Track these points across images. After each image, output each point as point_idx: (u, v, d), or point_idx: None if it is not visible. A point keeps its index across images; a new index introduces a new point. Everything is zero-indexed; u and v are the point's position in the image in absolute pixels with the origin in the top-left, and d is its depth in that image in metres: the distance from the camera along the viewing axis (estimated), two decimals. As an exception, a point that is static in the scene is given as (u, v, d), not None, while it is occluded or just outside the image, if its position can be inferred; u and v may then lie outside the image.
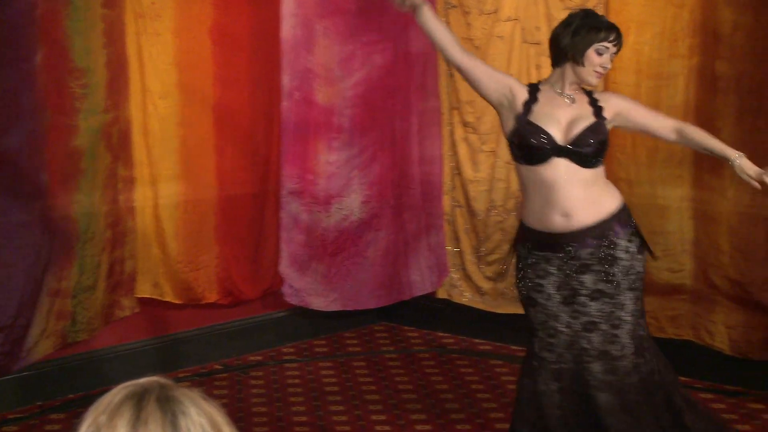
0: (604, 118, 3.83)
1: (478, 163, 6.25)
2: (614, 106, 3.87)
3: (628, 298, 3.78)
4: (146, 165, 5.38)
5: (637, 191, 5.62)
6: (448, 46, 3.85)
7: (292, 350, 6.12)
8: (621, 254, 3.79)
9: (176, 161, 5.49)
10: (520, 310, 6.01)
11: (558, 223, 3.77)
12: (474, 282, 6.32)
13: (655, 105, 5.49)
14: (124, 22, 5.16)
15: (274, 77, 5.86)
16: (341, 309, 6.24)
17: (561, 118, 3.81)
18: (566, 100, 3.84)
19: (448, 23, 6.22)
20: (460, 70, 3.92)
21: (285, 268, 6.01)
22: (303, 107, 5.96)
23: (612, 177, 5.69)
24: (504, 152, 6.11)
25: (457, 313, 6.37)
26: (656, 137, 4.00)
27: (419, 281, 6.45)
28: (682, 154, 5.45)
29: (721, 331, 5.40)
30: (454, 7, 6.19)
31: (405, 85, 6.31)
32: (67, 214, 4.98)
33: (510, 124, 3.85)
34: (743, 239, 5.28)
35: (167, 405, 1.41)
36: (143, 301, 5.48)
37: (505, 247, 6.11)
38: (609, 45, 3.78)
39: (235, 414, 5.02)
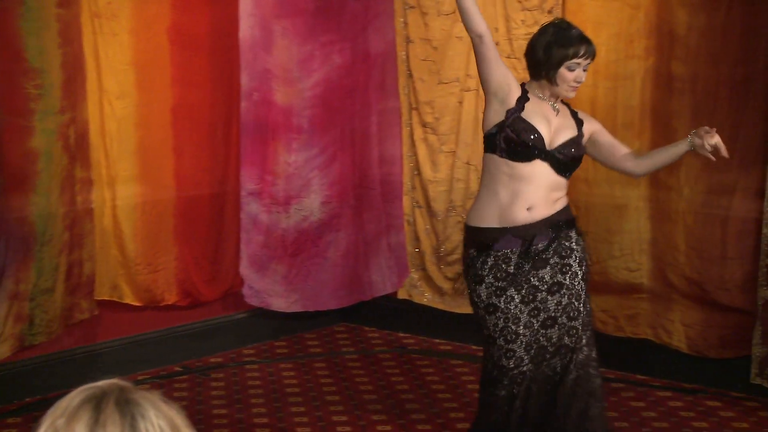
0: (582, 135, 3.93)
1: (438, 164, 6.27)
2: (591, 126, 3.98)
3: (582, 289, 3.90)
4: (104, 166, 5.35)
5: (596, 191, 5.67)
6: (475, 14, 3.78)
7: (252, 352, 6.10)
8: (574, 245, 3.90)
9: (134, 162, 5.46)
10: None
11: (521, 216, 3.84)
12: (434, 282, 6.33)
13: (612, 105, 5.55)
14: (80, 22, 5.11)
15: (233, 78, 5.84)
16: (302, 310, 6.24)
17: (551, 122, 3.87)
18: (551, 107, 3.90)
19: (406, 23, 6.24)
20: (480, 40, 3.81)
21: (245, 269, 6.00)
22: (262, 108, 5.95)
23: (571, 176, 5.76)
24: (463, 152, 6.14)
25: (418, 314, 6.39)
26: (614, 166, 4.06)
27: (380, 282, 6.46)
28: (638, 154, 5.49)
29: (679, 329, 5.46)
30: (413, 8, 6.20)
31: (364, 86, 6.32)
32: (24, 216, 4.93)
33: (497, 117, 3.86)
34: (699, 238, 5.34)
35: (126, 408, 1.41)
36: (102, 303, 5.44)
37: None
38: (580, 60, 3.81)
39: (195, 416, 5.00)
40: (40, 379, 5.18)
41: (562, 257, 3.87)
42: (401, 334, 6.43)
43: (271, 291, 6.10)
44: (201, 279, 5.84)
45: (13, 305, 4.92)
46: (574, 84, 3.84)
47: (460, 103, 6.04)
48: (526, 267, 3.83)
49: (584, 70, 3.85)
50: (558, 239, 3.87)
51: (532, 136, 3.80)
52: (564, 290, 3.85)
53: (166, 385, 5.48)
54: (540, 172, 3.83)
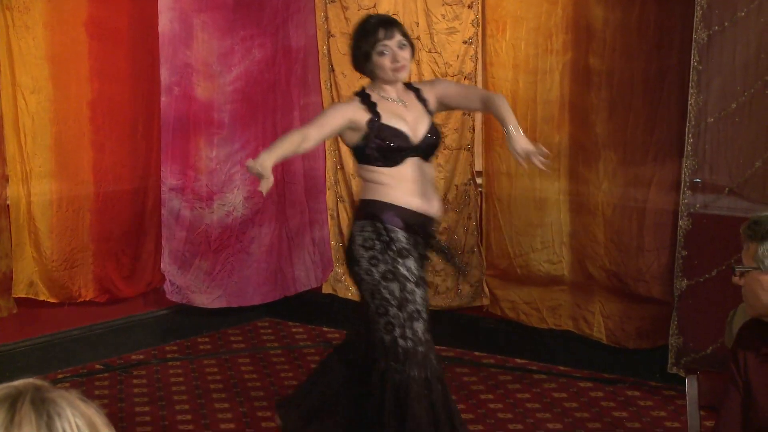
0: (431, 112, 3.99)
1: (361, 158, 6.27)
2: (434, 95, 3.99)
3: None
4: (18, 161, 5.24)
5: (517, 184, 5.73)
6: (300, 145, 3.82)
7: (175, 348, 6.05)
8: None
9: (49, 158, 5.36)
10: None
11: (422, 206, 3.91)
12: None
13: (533, 99, 5.62)
14: (-7, 15, 5.01)
15: (153, 72, 5.77)
16: (226, 306, 6.20)
17: (405, 120, 3.92)
18: (399, 104, 3.94)
19: (327, 18, 6.23)
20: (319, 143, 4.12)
21: (167, 265, 5.94)
22: (183, 102, 5.90)
23: (493, 170, 5.83)
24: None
25: (342, 308, 6.39)
26: (470, 109, 4.15)
27: (304, 276, 6.45)
28: (558, 147, 5.58)
29: (599, 320, 5.55)
30: (333, 2, 6.19)
31: (285, 80, 6.30)
32: (-63, 214, 4.81)
33: (358, 135, 3.89)
34: (617, 231, 5.43)
35: (42, 407, 1.38)
36: (20, 301, 5.34)
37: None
38: (387, 42, 3.85)
39: (117, 414, 4.94)
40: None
41: (424, 255, 3.98)
42: (325, 329, 6.43)
43: (193, 287, 6.06)
44: (119, 275, 5.77)
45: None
46: (395, 65, 3.86)
47: (382, 97, 6.05)
48: (421, 252, 3.91)
49: (401, 48, 3.86)
50: (430, 236, 3.98)
51: (399, 139, 3.86)
52: (426, 286, 3.93)
53: (87, 383, 5.40)
54: (416, 166, 3.91)
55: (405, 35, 3.90)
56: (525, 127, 5.62)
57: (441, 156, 5.94)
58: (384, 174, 3.88)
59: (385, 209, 3.85)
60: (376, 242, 3.83)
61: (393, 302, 3.81)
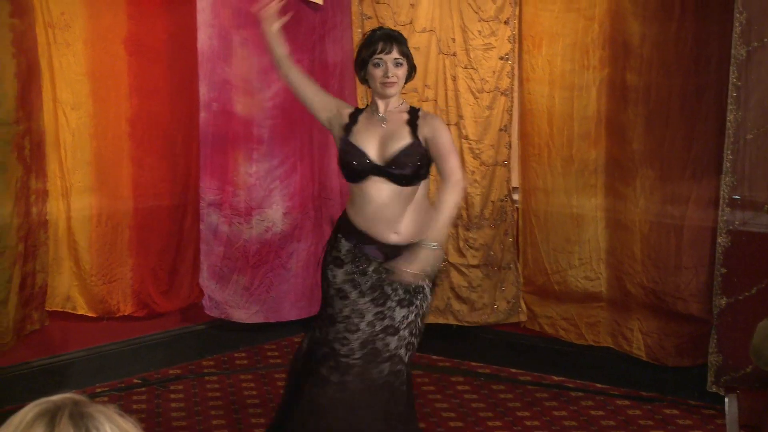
0: (418, 138, 3.94)
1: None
2: (426, 132, 3.95)
3: (421, 306, 3.98)
4: (58, 177, 5.30)
5: (553, 200, 5.71)
6: (285, 60, 4.08)
7: (212, 363, 6.07)
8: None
9: (89, 173, 5.41)
10: (441, 320, 6.08)
11: (388, 237, 3.93)
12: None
13: (569, 115, 5.60)
14: (34, 31, 5.07)
15: (192, 88, 5.82)
16: (263, 321, 6.22)
17: (375, 138, 3.96)
18: (379, 121, 3.99)
19: (363, 34, 6.24)
20: (291, 86, 4.13)
21: (205, 280, 5.97)
22: (222, 118, 5.93)
23: (529, 186, 5.81)
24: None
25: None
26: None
27: (339, 292, 6.44)
28: (595, 163, 5.55)
29: (638, 337, 5.51)
30: (369, 18, 6.22)
31: (323, 96, 6.31)
32: (-22, 228, 4.87)
33: (338, 142, 4.05)
34: (655, 248, 5.39)
35: (81, 422, 1.40)
36: (61, 316, 5.38)
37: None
38: (383, 56, 3.94)
39: (154, 429, 4.97)
40: (-6, 393, 5.12)
41: (364, 270, 3.97)
42: (361, 345, 6.41)
43: (231, 302, 6.08)
44: (157, 290, 5.80)
45: (-33, 318, 4.86)
46: (385, 80, 3.94)
47: (419, 113, 6.07)
48: (384, 275, 3.92)
49: (396, 65, 3.94)
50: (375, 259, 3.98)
51: (358, 157, 3.91)
52: (412, 306, 3.94)
53: (125, 397, 5.44)
54: (383, 188, 3.90)
55: (404, 54, 3.97)
56: (561, 143, 5.64)
57: (477, 172, 5.94)
58: (352, 186, 4.00)
59: (342, 218, 4.07)
60: (327, 248, 4.10)
61: (322, 303, 4.11)
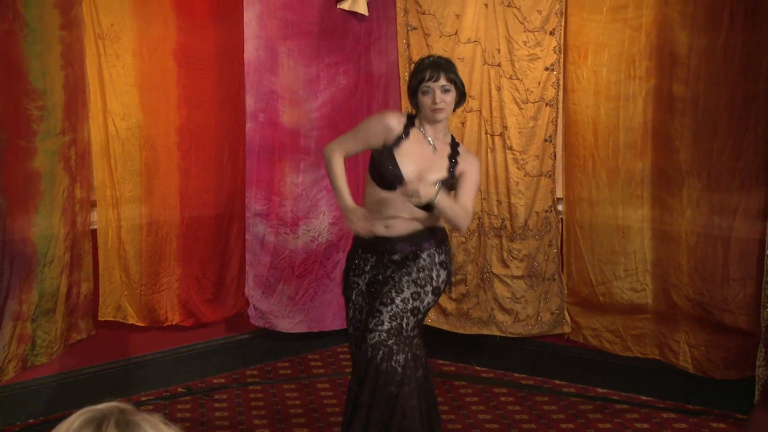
0: (453, 175, 4.12)
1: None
2: (461, 170, 4.14)
3: (406, 286, 4.08)
4: (108, 187, 5.36)
5: (598, 211, 5.68)
6: (339, 163, 4.28)
7: (255, 372, 6.10)
8: (424, 255, 4.13)
9: (138, 183, 5.47)
10: (484, 330, 6.08)
11: (379, 231, 4.11)
12: (438, 303, 6.33)
13: (615, 126, 5.57)
14: (83, 43, 5.14)
15: (239, 99, 5.87)
16: (307, 331, 6.24)
17: (420, 160, 4.10)
18: (430, 146, 4.14)
19: (408, 45, 6.27)
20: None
21: (251, 290, 6.00)
22: (268, 129, 5.97)
23: (574, 197, 5.78)
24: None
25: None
26: None
27: (383, 302, 6.45)
28: (641, 174, 5.51)
29: (684, 350, 5.45)
30: (415, 29, 6.23)
31: (368, 106, 6.35)
32: (27, 237, 4.94)
33: (379, 149, 4.16)
34: (702, 259, 5.33)
35: (127, 430, 1.41)
36: (105, 324, 5.44)
37: (468, 267, 6.14)
38: (430, 84, 4.06)
39: (198, 437, 4.99)
40: (42, 401, 5.18)
41: (407, 261, 4.13)
42: (405, 355, 6.40)
43: (276, 312, 6.11)
44: (202, 299, 5.84)
45: (17, 326, 4.93)
46: (434, 107, 4.07)
47: (463, 124, 6.06)
48: (377, 270, 4.16)
49: (444, 92, 4.06)
50: (410, 251, 4.14)
51: (394, 172, 4.06)
52: (390, 282, 4.10)
53: (169, 406, 5.48)
54: (403, 202, 4.04)
55: (452, 80, 4.08)
56: (606, 154, 5.60)
57: (521, 183, 5.92)
58: (373, 190, 4.15)
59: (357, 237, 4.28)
60: (350, 254, 4.32)
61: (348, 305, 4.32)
